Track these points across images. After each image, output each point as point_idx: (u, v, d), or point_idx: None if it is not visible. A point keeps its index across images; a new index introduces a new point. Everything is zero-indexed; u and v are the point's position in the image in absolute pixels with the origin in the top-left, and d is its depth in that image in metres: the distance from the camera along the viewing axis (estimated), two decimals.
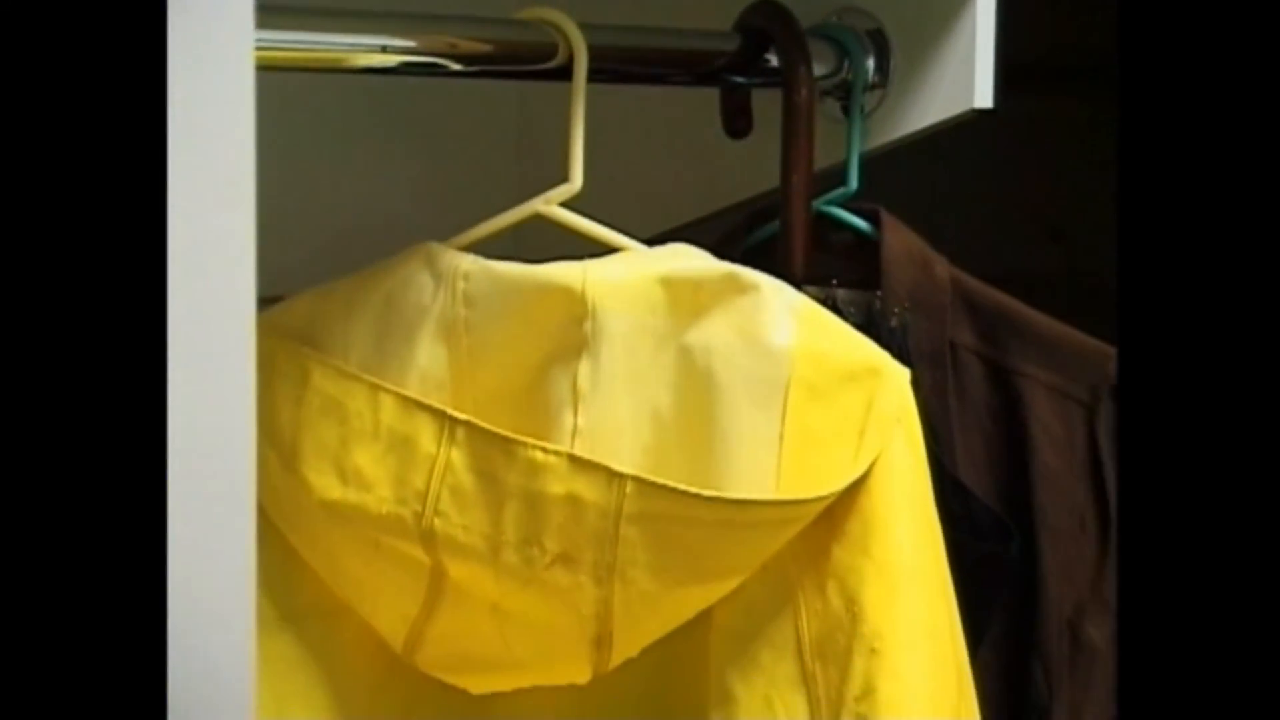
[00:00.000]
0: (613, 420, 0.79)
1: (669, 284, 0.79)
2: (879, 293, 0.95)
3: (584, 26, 0.85)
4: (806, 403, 0.77)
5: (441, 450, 0.76)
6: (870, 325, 0.92)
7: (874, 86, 1.00)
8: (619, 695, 0.81)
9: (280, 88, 0.70)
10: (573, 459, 0.75)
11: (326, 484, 0.77)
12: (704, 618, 0.79)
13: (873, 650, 0.76)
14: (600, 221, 0.84)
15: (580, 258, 0.81)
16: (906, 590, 0.77)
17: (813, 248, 0.93)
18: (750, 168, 1.00)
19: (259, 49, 0.62)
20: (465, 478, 0.76)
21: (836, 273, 0.96)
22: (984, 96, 0.96)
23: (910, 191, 1.00)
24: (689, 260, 0.82)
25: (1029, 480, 0.94)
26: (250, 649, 0.63)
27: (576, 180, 0.84)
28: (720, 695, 0.79)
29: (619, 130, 1.00)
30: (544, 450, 0.75)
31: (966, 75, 0.96)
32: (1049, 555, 0.93)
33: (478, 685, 0.81)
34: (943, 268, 0.96)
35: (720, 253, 0.83)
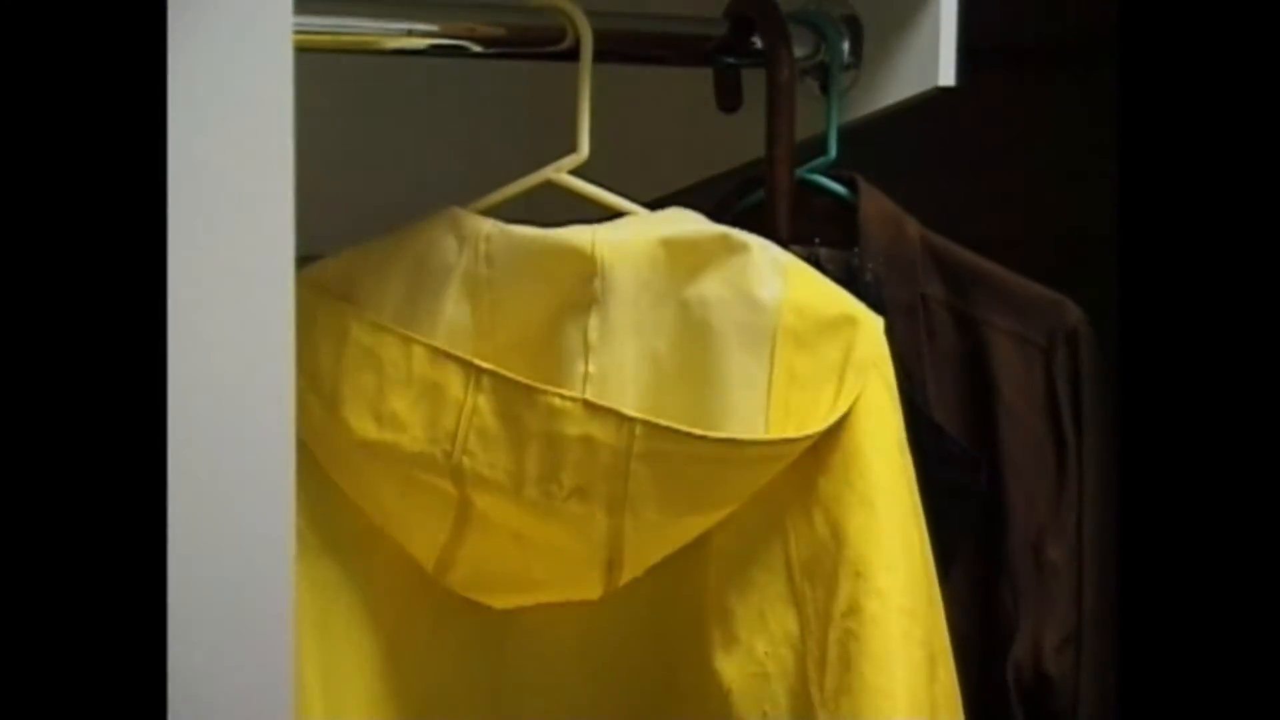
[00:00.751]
0: (619, 367, 0.81)
1: (669, 245, 0.82)
2: (857, 251, 0.96)
3: (590, 13, 0.89)
4: (792, 350, 0.81)
5: (469, 396, 0.79)
6: (849, 280, 0.92)
7: (849, 67, 1.02)
8: (627, 610, 0.84)
9: (317, 68, 0.73)
10: (587, 404, 0.78)
11: (365, 426, 0.79)
12: (703, 541, 0.82)
13: (857, 573, 0.79)
14: (605, 187, 0.87)
15: (588, 220, 0.83)
16: (885, 517, 0.80)
17: (797, 211, 0.94)
18: (741, 139, 1.00)
19: (297, 33, 0.66)
20: (490, 421, 0.79)
21: (818, 233, 0.97)
22: (947, 76, 0.97)
23: (883, 160, 1.00)
24: (687, 223, 0.84)
25: (994, 418, 0.94)
26: (289, 571, 0.67)
27: (584, 150, 0.87)
28: (719, 610, 0.82)
29: (622, 105, 1.00)
30: (561, 396, 0.78)
31: (931, 57, 0.97)
32: (1013, 485, 0.93)
33: (501, 602, 0.84)
34: (913, 228, 0.97)
35: (715, 216, 0.86)
